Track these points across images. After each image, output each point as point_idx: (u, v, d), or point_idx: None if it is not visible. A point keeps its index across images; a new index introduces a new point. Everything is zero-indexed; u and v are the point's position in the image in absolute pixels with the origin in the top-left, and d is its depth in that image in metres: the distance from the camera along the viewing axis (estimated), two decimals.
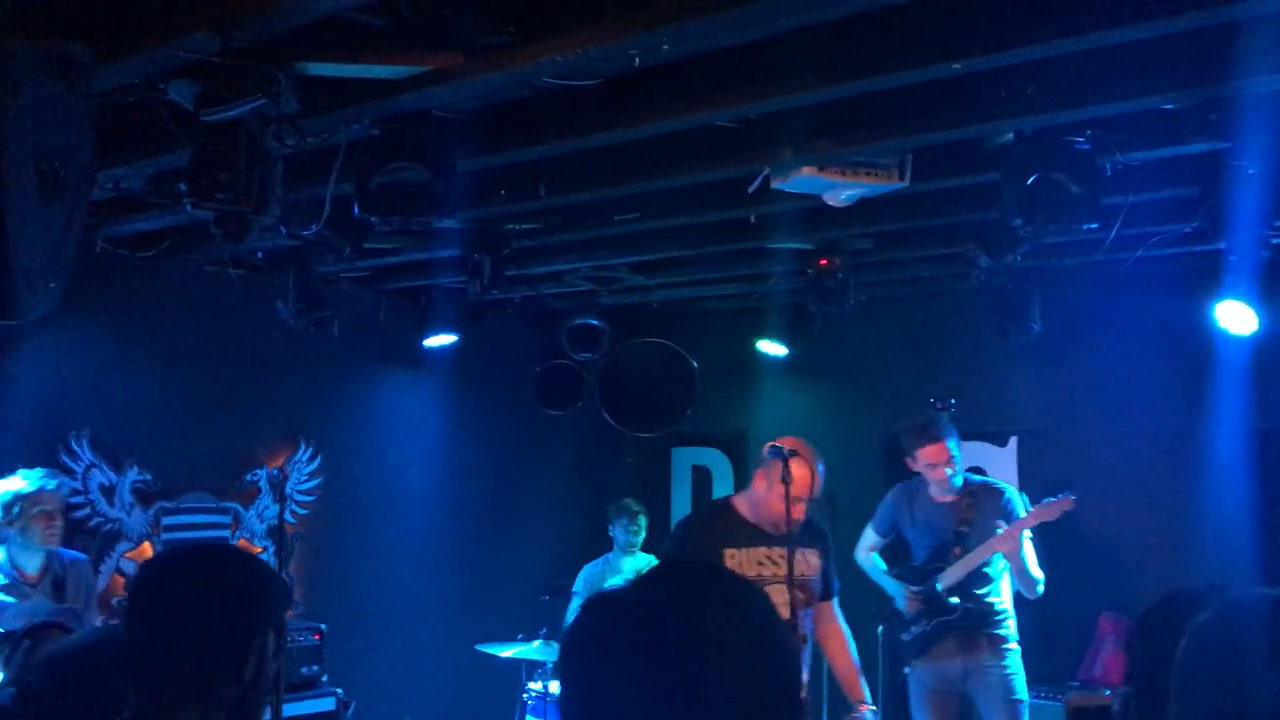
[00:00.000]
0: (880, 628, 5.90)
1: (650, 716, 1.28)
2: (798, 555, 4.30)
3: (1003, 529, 5.10)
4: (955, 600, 5.21)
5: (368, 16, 2.98)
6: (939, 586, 5.25)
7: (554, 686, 5.91)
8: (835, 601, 4.64)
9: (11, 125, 2.42)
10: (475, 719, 6.98)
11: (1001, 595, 5.27)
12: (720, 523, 4.55)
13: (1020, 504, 5.26)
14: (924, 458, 5.27)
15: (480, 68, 3.12)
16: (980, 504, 5.27)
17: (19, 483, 4.59)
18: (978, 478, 5.47)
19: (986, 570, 5.22)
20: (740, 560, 4.38)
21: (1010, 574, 5.21)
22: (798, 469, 4.24)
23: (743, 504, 4.53)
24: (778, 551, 4.35)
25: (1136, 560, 6.25)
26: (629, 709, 1.28)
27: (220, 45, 2.83)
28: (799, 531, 4.32)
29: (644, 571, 1.44)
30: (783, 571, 4.29)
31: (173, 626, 1.92)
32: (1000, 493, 5.32)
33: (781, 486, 4.18)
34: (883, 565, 5.63)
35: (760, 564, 4.38)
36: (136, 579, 2.09)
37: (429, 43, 3.09)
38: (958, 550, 5.23)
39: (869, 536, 5.68)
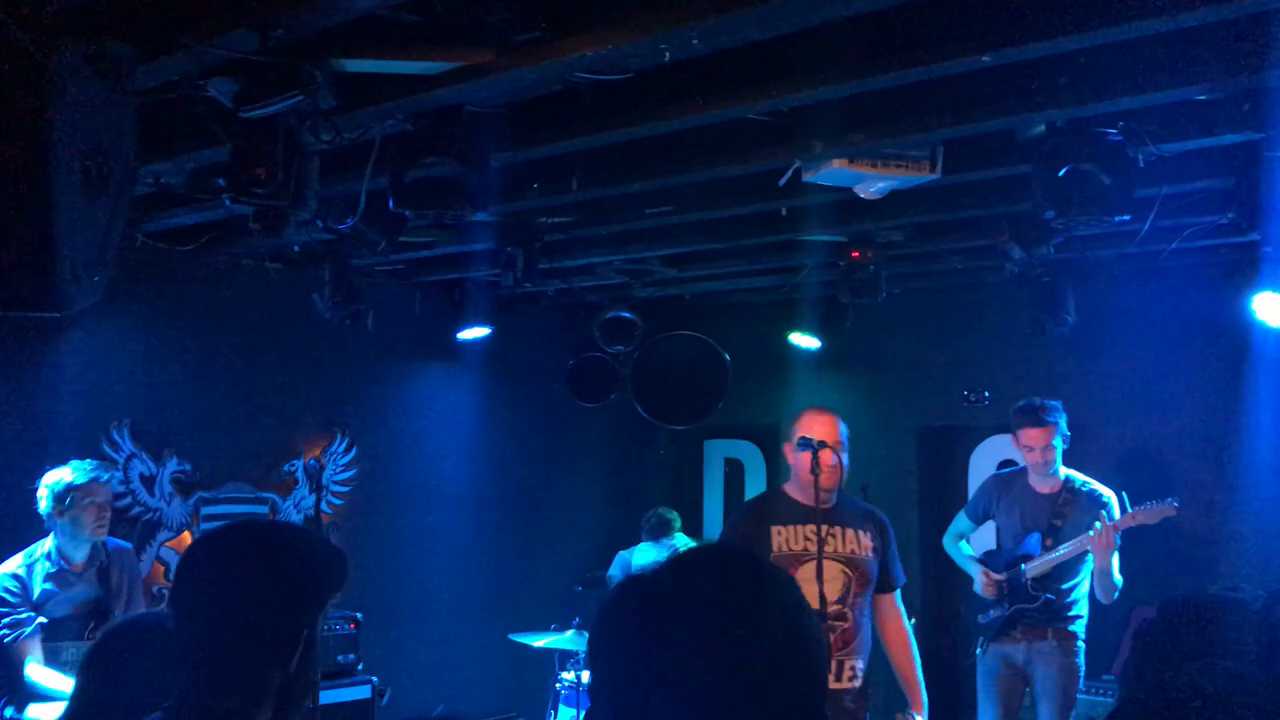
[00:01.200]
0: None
1: (675, 697, 1.31)
2: (848, 532, 4.40)
3: (1100, 526, 5.10)
4: (1037, 590, 5.28)
5: (403, 14, 3.03)
6: (1025, 575, 5.28)
7: (586, 676, 5.97)
8: (898, 596, 4.60)
9: (58, 124, 2.48)
10: (508, 708, 7.06)
11: (1081, 595, 5.33)
12: (769, 505, 4.65)
13: (1118, 510, 5.26)
14: (1025, 439, 5.33)
15: (513, 63, 3.15)
16: (1079, 502, 5.31)
17: (71, 474, 4.66)
18: (1082, 479, 5.46)
19: (1074, 566, 5.26)
20: (787, 536, 4.41)
21: (1094, 573, 5.23)
22: (804, 419, 4.46)
23: (791, 487, 4.58)
24: (825, 529, 4.36)
25: (1172, 554, 6.21)
26: (655, 689, 1.32)
27: (259, 43, 2.88)
28: (851, 511, 4.45)
29: (679, 553, 1.47)
30: (829, 548, 4.34)
31: (219, 610, 1.87)
32: (1099, 497, 5.33)
33: (810, 476, 4.25)
34: (969, 550, 5.68)
35: (807, 539, 4.38)
36: (185, 557, 2.02)
37: (462, 39, 3.13)
38: (1049, 542, 5.29)
39: (960, 523, 5.76)
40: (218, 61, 3.02)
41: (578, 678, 5.89)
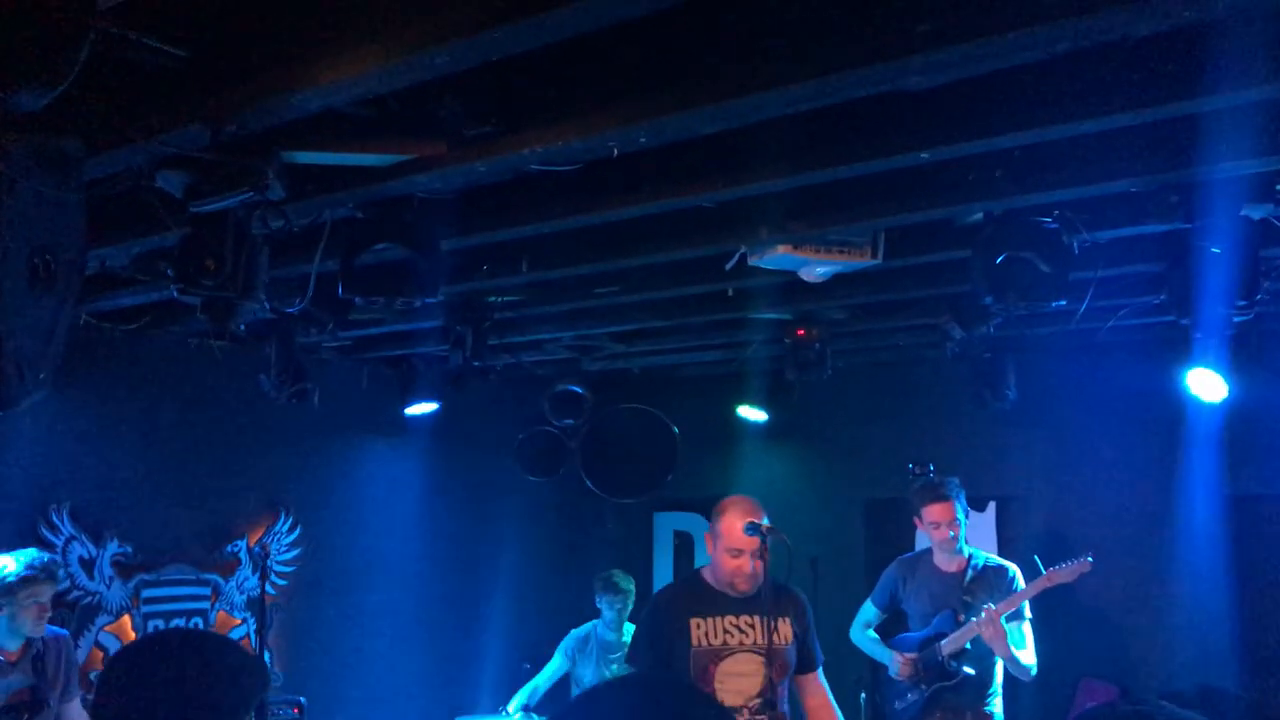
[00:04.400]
0: (863, 695, 5.92)
1: None
2: (767, 622, 4.25)
3: (987, 611, 5.11)
4: (956, 665, 5.24)
5: (355, 108, 3.06)
6: (941, 653, 5.27)
7: None
8: (820, 673, 4.52)
9: (5, 220, 2.47)
10: None
11: (996, 671, 5.32)
12: (688, 593, 4.49)
13: (1022, 582, 5.29)
14: (930, 515, 5.35)
15: (464, 156, 3.20)
16: (986, 577, 5.33)
17: (16, 566, 4.52)
18: (985, 554, 5.51)
19: (984, 644, 5.24)
20: (706, 630, 4.30)
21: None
22: (725, 521, 4.30)
23: (709, 573, 4.48)
24: (745, 619, 4.31)
25: (1116, 625, 6.31)
26: None
27: (210, 139, 2.90)
28: (770, 599, 4.27)
29: (608, 682, 1.49)
30: (749, 640, 4.27)
31: (150, 717, 1.86)
32: (1004, 570, 5.36)
33: (724, 550, 4.26)
34: (874, 636, 5.65)
35: (727, 632, 4.30)
36: (107, 670, 2.00)
37: (415, 132, 3.17)
38: (961, 619, 5.28)
39: (867, 612, 5.71)
40: (167, 155, 3.03)
41: None
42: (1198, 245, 3.85)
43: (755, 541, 4.25)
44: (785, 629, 4.36)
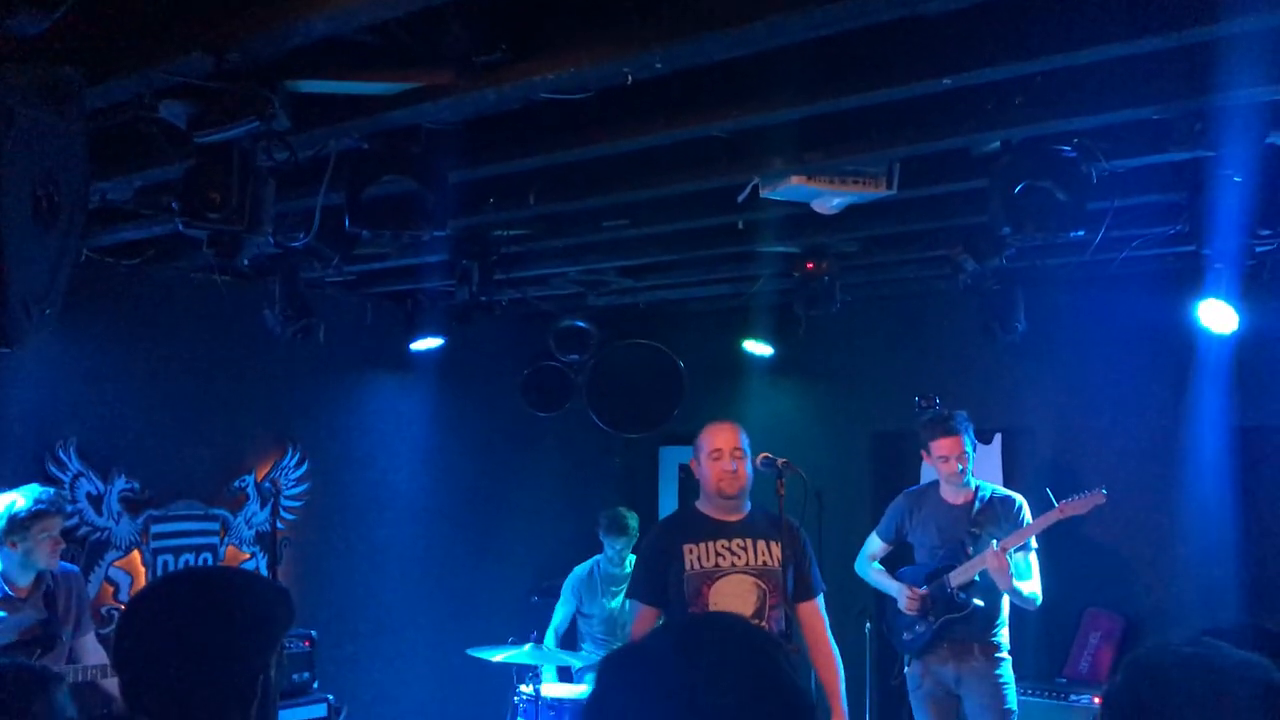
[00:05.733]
0: (868, 625, 5.96)
1: None
2: (759, 544, 4.46)
3: (996, 544, 5.12)
4: (965, 597, 5.25)
5: (361, 36, 2.98)
6: (950, 585, 5.27)
7: (545, 690, 5.94)
8: (819, 602, 4.62)
9: (6, 154, 2.41)
10: None
11: (1003, 603, 5.32)
12: (681, 522, 4.72)
13: (1029, 514, 5.29)
14: (938, 449, 5.33)
15: (473, 85, 3.12)
16: (994, 509, 5.33)
17: (26, 502, 4.52)
18: (991, 486, 5.51)
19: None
20: (698, 554, 4.46)
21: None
22: (701, 434, 4.58)
23: (702, 503, 4.64)
24: (737, 542, 4.47)
25: (1121, 556, 6.33)
26: None
27: (213, 66, 2.82)
28: (761, 523, 4.50)
29: (656, 628, 1.48)
30: (741, 561, 4.44)
31: (169, 669, 1.80)
32: (1011, 501, 5.36)
33: (706, 459, 4.51)
34: (880, 568, 5.66)
35: (719, 555, 4.45)
36: (124, 617, 1.94)
37: (422, 60, 3.09)
38: (970, 551, 5.27)
39: (872, 544, 5.69)
40: (170, 84, 2.96)
41: (536, 691, 5.86)
42: (1220, 174, 3.79)
43: (732, 440, 4.50)
44: (776, 551, 4.48)
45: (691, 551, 4.45)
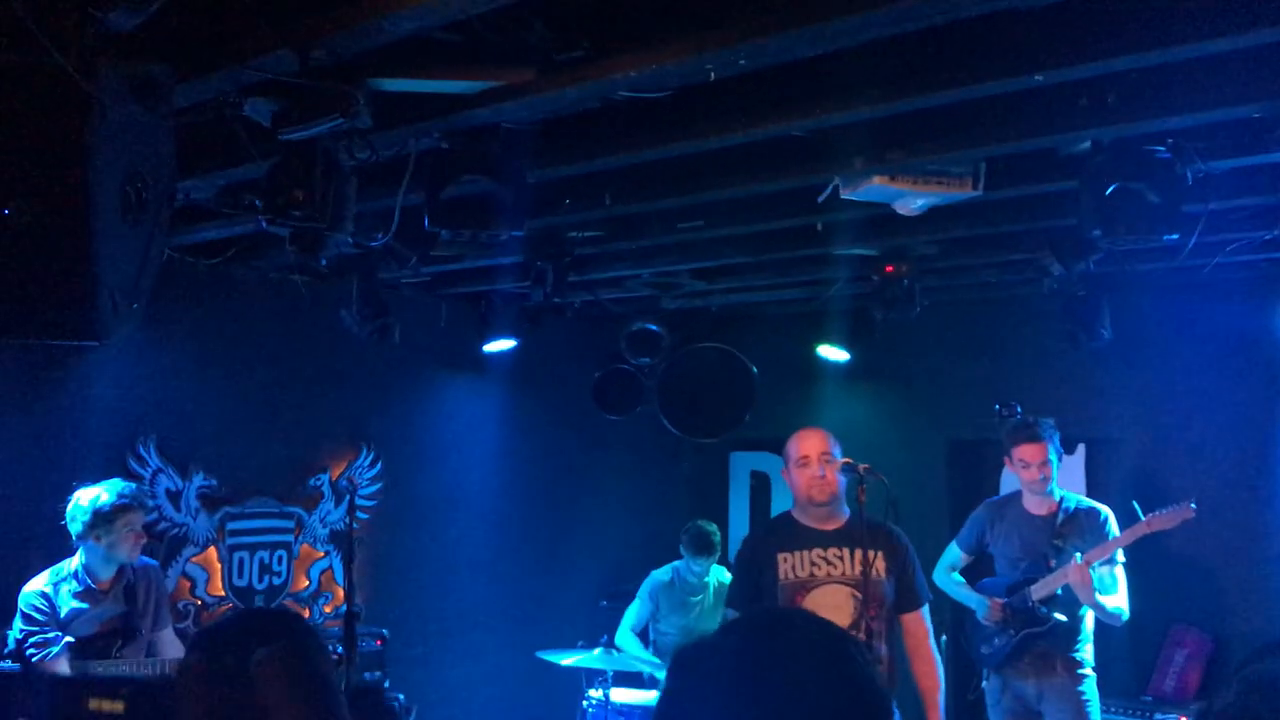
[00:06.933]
0: (944, 637, 5.83)
1: None
2: (856, 554, 4.28)
3: (1079, 558, 4.99)
4: (1046, 611, 5.11)
5: (444, 33, 2.98)
6: (1031, 598, 5.14)
7: (614, 695, 5.90)
8: (925, 612, 4.48)
9: (97, 148, 2.44)
10: None
11: (1087, 618, 5.17)
12: (776, 531, 4.58)
13: (1115, 526, 5.14)
14: (1020, 455, 5.18)
15: (553, 83, 3.11)
16: (1078, 520, 5.18)
17: (110, 496, 4.60)
18: (1076, 497, 5.35)
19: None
20: (793, 563, 4.34)
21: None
22: (790, 443, 4.47)
23: (797, 511, 4.53)
24: (834, 551, 4.33)
25: (1210, 572, 6.13)
26: None
27: (298, 64, 2.84)
28: (862, 532, 4.28)
29: (727, 622, 1.44)
30: (838, 571, 4.29)
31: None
32: (1096, 513, 5.20)
33: (794, 467, 4.40)
34: (960, 579, 5.53)
35: (814, 564, 4.32)
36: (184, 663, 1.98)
37: (503, 58, 3.08)
38: (1052, 564, 5.12)
39: (952, 553, 5.56)
40: (256, 82, 2.98)
41: (605, 696, 5.83)
42: None
43: (820, 445, 4.39)
44: (879, 563, 4.33)
45: (786, 560, 4.34)
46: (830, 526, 4.38)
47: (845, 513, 4.42)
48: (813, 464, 4.35)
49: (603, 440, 7.71)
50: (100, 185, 2.43)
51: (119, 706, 3.15)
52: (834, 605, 4.22)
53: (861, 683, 1.34)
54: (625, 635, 6.41)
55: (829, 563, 4.31)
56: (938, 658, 4.47)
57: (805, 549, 4.35)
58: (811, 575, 4.30)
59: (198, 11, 2.78)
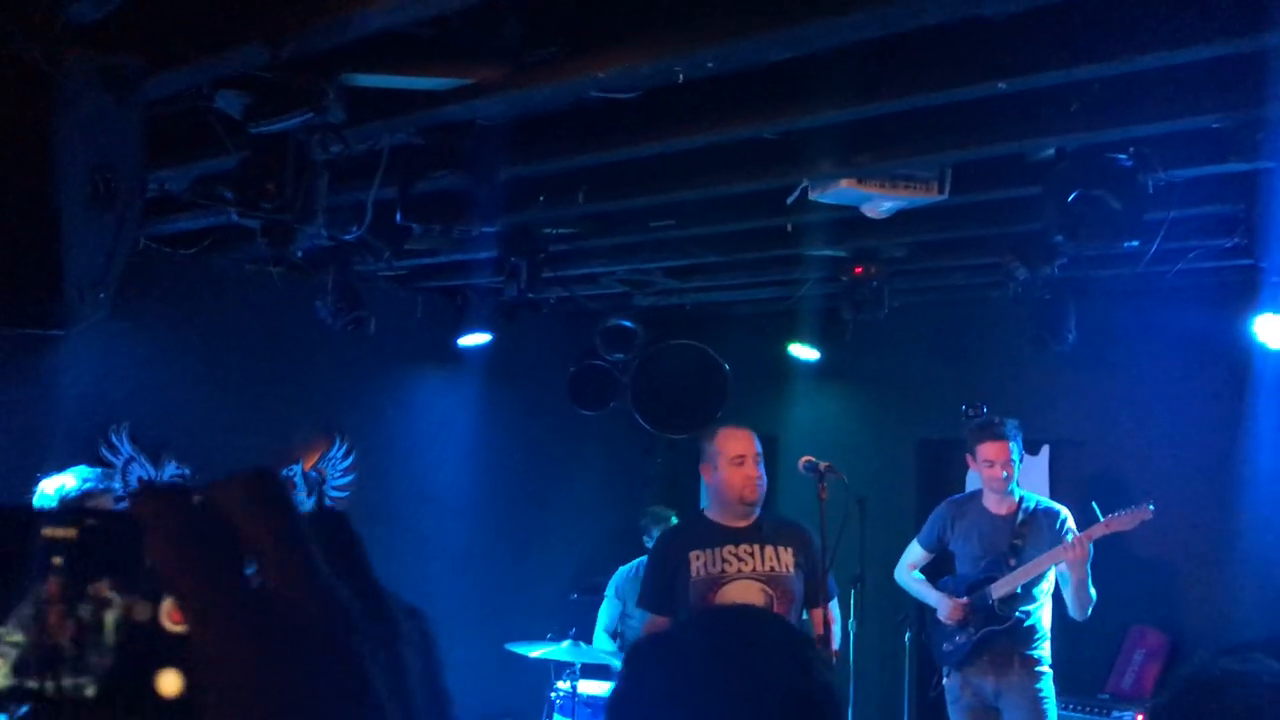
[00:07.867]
0: (908, 634, 5.91)
1: None
2: (766, 549, 4.35)
3: (1074, 537, 5.05)
4: (1006, 609, 5.18)
5: (417, 29, 3.01)
6: (991, 597, 5.22)
7: (582, 687, 5.95)
8: (832, 607, 4.57)
9: (65, 138, 2.46)
10: (503, 717, 7.03)
11: (1043, 616, 5.25)
12: (688, 530, 4.66)
13: (1073, 525, 5.21)
14: (984, 454, 5.24)
15: (526, 81, 3.14)
16: (1038, 521, 5.24)
17: (75, 481, 4.57)
18: (1035, 497, 5.42)
19: (1034, 589, 5.20)
20: (705, 560, 4.36)
21: (1067, 589, 5.13)
22: (718, 438, 4.41)
23: (710, 510, 4.57)
24: (744, 548, 4.37)
25: (1168, 572, 6.22)
26: None
27: (270, 58, 2.85)
28: (770, 528, 4.40)
29: (686, 618, 1.48)
30: (748, 567, 4.34)
31: None
32: (1055, 513, 5.27)
33: (727, 464, 4.35)
34: (920, 576, 5.60)
35: (725, 561, 4.35)
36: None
37: (476, 56, 3.11)
38: (1012, 562, 5.19)
39: (913, 552, 5.61)
40: (227, 74, 3.00)
41: (573, 688, 5.87)
42: (1277, 185, 3.72)
43: (753, 446, 4.38)
44: (786, 557, 4.38)
45: (698, 558, 4.37)
46: (742, 524, 4.42)
47: (757, 511, 4.48)
48: (748, 463, 4.36)
49: (576, 435, 7.75)
50: (67, 175, 2.44)
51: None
52: (744, 599, 4.27)
53: (822, 681, 1.37)
54: (600, 638, 6.46)
55: (739, 559, 4.35)
56: (838, 653, 4.58)
57: (717, 546, 4.39)
58: (723, 572, 4.34)
59: (167, 4, 2.80)
